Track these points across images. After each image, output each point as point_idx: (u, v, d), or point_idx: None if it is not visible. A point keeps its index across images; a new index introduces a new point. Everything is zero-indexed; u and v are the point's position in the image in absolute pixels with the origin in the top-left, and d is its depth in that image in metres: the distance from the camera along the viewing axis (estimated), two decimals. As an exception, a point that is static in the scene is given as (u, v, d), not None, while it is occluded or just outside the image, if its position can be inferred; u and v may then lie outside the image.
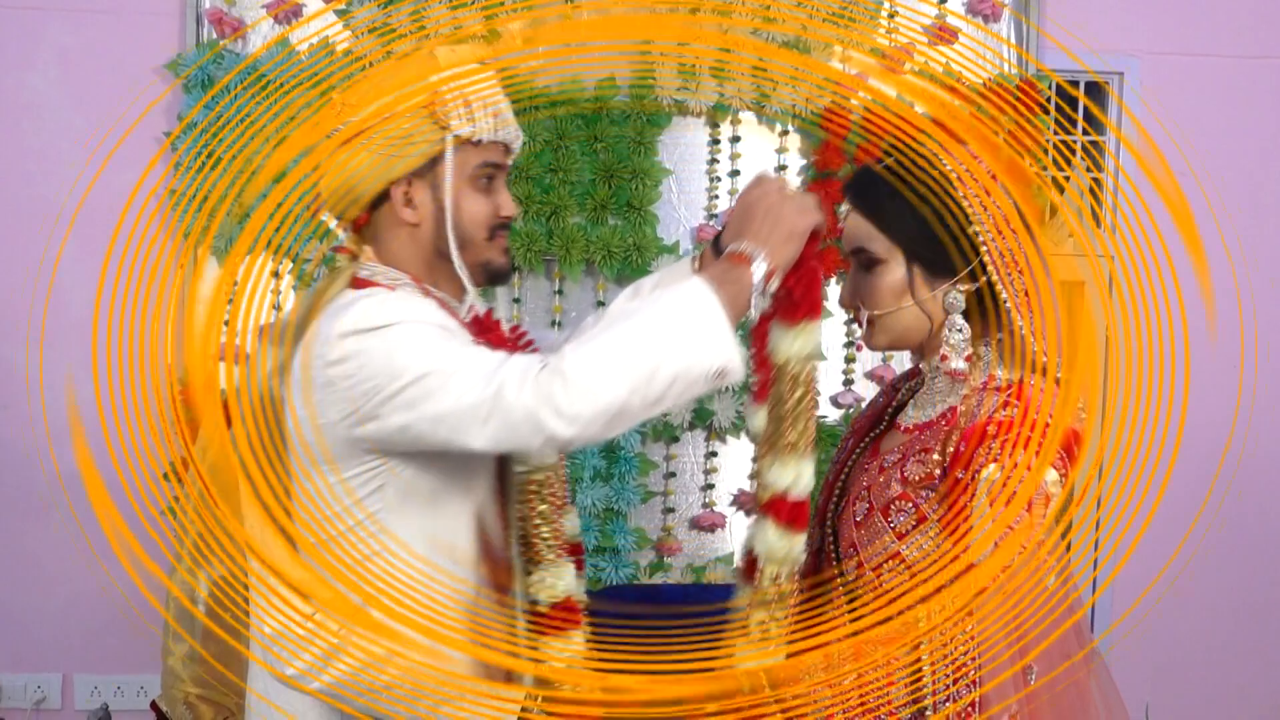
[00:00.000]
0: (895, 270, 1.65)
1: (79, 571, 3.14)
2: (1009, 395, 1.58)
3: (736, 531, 3.21)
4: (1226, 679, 3.44)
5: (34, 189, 3.09)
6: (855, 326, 2.90)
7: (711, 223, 3.16)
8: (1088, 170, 3.37)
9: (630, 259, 3.08)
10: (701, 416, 3.15)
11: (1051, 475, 1.52)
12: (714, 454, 3.19)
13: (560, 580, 1.86)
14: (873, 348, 1.78)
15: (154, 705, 2.85)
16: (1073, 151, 3.34)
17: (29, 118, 3.09)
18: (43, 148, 3.08)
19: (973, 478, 1.53)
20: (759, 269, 1.56)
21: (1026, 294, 1.62)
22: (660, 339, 1.51)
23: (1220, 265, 3.33)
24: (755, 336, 1.68)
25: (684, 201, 3.18)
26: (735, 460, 3.21)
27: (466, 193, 1.72)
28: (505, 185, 1.78)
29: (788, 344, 1.62)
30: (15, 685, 3.16)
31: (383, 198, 1.71)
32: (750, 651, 1.62)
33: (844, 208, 1.73)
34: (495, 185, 1.76)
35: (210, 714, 1.86)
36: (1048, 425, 1.54)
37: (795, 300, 1.61)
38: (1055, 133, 3.31)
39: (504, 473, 1.82)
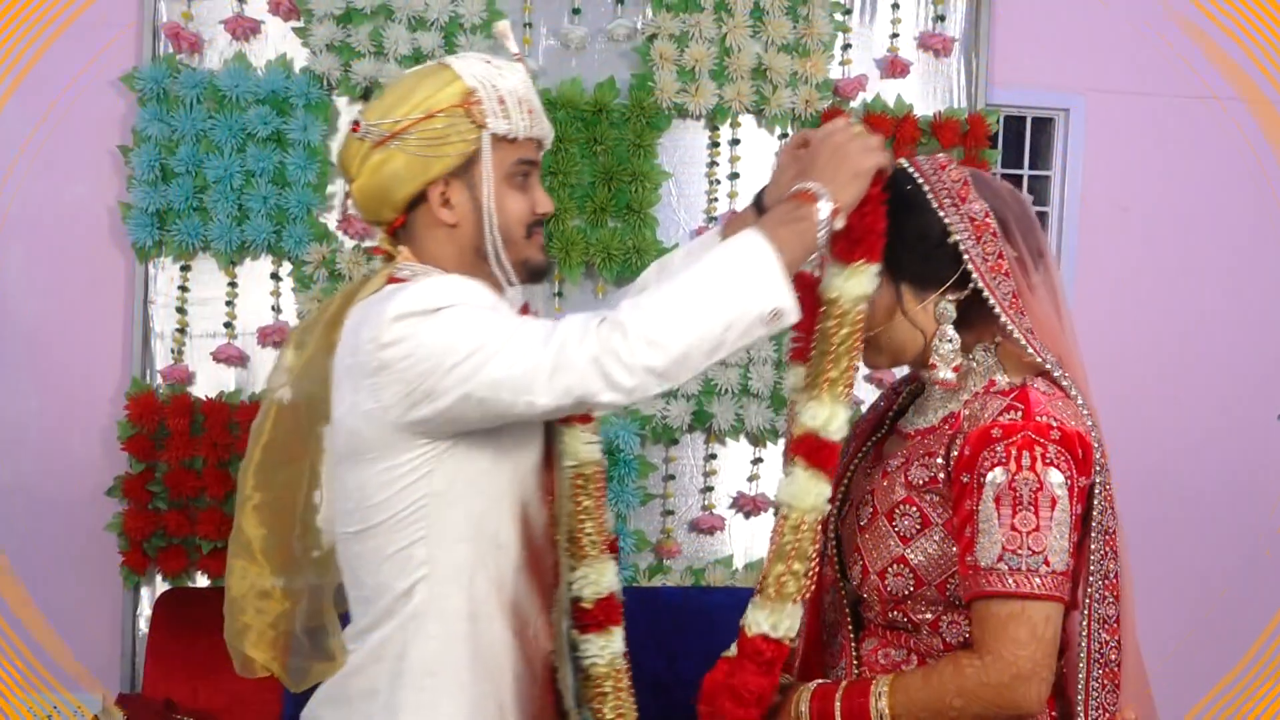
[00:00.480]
0: (882, 289, 1.67)
1: (14, 588, 3.09)
2: (1012, 399, 1.59)
3: (736, 534, 3.20)
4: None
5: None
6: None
7: (711, 225, 3.17)
8: (1034, 204, 3.44)
9: (630, 261, 3.07)
10: (701, 419, 3.15)
11: (1057, 477, 1.53)
12: (713, 456, 3.19)
13: (604, 577, 1.85)
14: (873, 367, 1.79)
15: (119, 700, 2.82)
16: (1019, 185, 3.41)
17: (-20, 128, 3.06)
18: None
19: (978, 481, 1.55)
20: (825, 206, 1.56)
21: (1015, 295, 1.63)
22: (713, 285, 1.52)
23: (1161, 296, 3.42)
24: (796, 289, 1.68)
25: (683, 204, 3.19)
26: (735, 463, 3.20)
27: (504, 190, 1.71)
28: (539, 182, 1.78)
29: (841, 281, 1.61)
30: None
31: (418, 199, 1.70)
32: (766, 608, 1.61)
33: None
34: (530, 182, 1.75)
35: (262, 671, 1.83)
36: (1051, 428, 1.55)
37: (854, 239, 1.60)
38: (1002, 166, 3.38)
39: (549, 467, 1.80)
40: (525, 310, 1.80)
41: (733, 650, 1.68)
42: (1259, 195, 3.47)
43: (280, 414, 1.79)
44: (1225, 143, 3.43)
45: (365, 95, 3.06)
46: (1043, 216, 3.43)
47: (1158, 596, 3.28)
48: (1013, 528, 1.52)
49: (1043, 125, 3.42)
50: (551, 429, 1.81)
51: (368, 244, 3.05)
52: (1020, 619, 1.51)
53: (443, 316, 1.57)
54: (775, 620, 1.60)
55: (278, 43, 3.06)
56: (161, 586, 3.04)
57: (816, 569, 1.61)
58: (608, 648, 1.86)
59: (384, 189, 1.69)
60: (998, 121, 3.28)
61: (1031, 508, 1.52)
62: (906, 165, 1.69)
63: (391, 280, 1.71)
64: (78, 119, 3.05)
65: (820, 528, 1.61)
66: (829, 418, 1.61)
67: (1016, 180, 3.42)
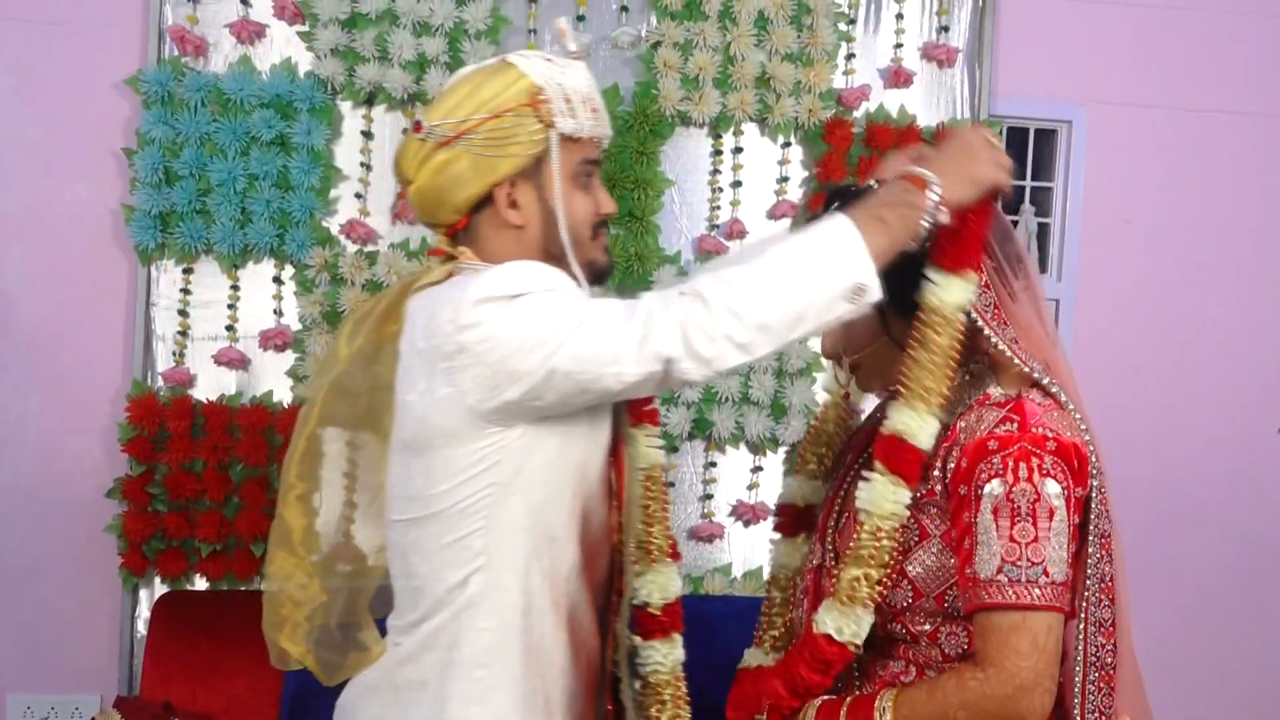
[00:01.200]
0: (866, 313, 1.66)
1: (14, 589, 3.10)
2: (1008, 410, 1.59)
3: (735, 542, 3.20)
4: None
5: (-14, 200, 3.06)
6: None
7: (713, 233, 3.18)
8: (1035, 215, 3.44)
9: (632, 269, 3.07)
10: (701, 426, 3.15)
11: (1054, 488, 1.53)
12: (713, 464, 3.18)
13: (672, 581, 1.83)
14: (866, 390, 1.79)
15: (117, 702, 2.81)
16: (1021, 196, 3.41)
17: (-17, 128, 3.06)
18: (-1, 159, 3.05)
19: (976, 494, 1.55)
20: (934, 194, 1.53)
21: (997, 306, 1.63)
22: (796, 259, 1.51)
23: (1163, 306, 3.42)
24: None
25: (686, 212, 3.19)
26: (734, 471, 3.20)
27: (571, 190, 1.69)
28: (600, 181, 1.76)
29: (941, 290, 1.58)
30: (-55, 705, 3.10)
31: (483, 201, 1.68)
32: (835, 610, 1.59)
33: None
34: (594, 182, 1.74)
35: (295, 665, 1.80)
36: (1047, 439, 1.55)
37: (961, 247, 1.58)
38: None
39: (613, 467, 1.77)
40: None
41: (749, 662, 1.72)
42: (1261, 207, 3.47)
43: (326, 404, 1.78)
44: (1227, 155, 3.43)
45: (369, 100, 3.07)
46: (1045, 227, 3.44)
47: (1158, 605, 3.30)
48: (1011, 539, 1.52)
49: (1045, 136, 3.43)
50: (620, 430, 1.78)
51: (369, 249, 3.06)
52: (1021, 630, 1.51)
53: (524, 302, 1.56)
54: (842, 623, 1.59)
55: (282, 47, 3.07)
56: (160, 589, 3.04)
57: (893, 574, 1.60)
58: (671, 654, 1.82)
59: (447, 190, 1.67)
60: (1001, 133, 3.28)
61: (1030, 519, 1.52)
62: (875, 185, 1.68)
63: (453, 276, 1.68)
64: (82, 121, 3.05)
65: (892, 534, 1.59)
66: (920, 426, 1.58)
67: (1019, 191, 3.42)
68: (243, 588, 3.05)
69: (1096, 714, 1.62)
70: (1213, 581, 3.50)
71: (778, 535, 1.95)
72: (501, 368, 1.55)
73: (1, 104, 3.03)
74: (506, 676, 1.65)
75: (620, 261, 3.07)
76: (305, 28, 3.06)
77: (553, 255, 1.69)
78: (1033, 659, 1.51)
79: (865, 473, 1.62)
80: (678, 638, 1.84)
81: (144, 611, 3.03)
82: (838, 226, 1.52)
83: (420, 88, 3.04)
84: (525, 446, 1.62)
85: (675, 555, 1.85)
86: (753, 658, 1.86)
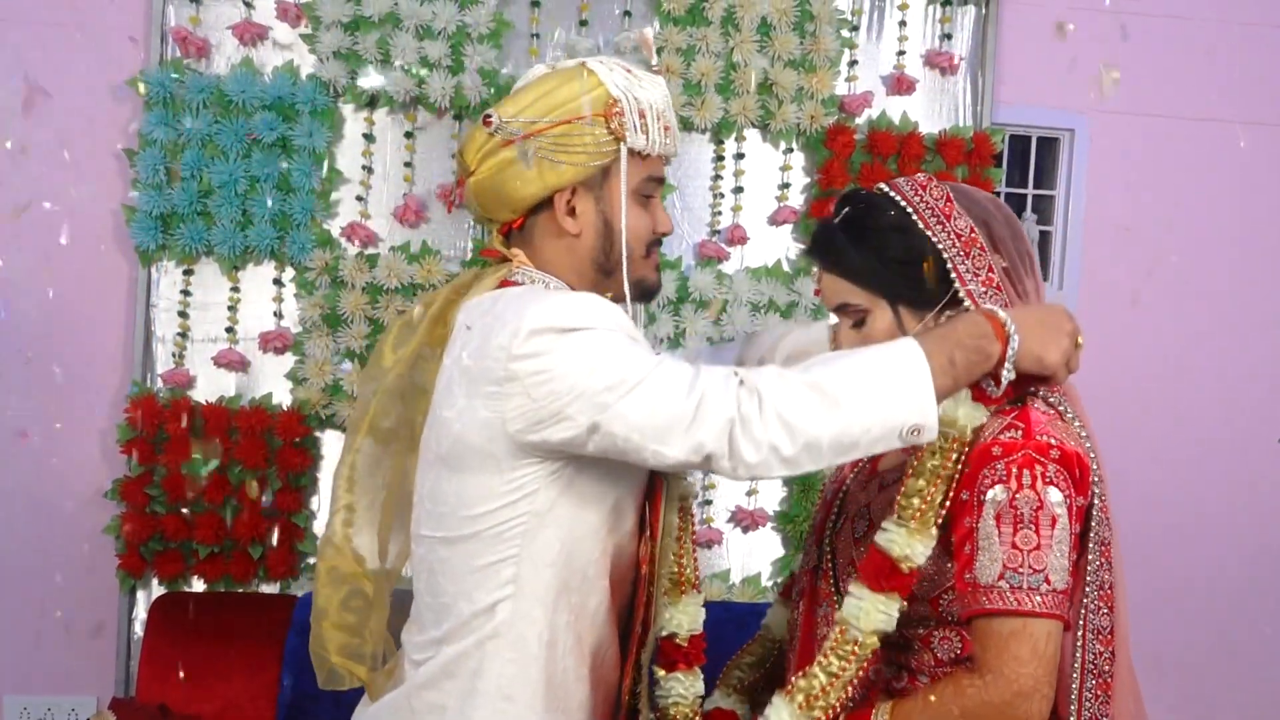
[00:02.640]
0: (882, 316, 1.64)
1: (10, 590, 3.09)
2: (1013, 417, 1.58)
3: (734, 548, 3.20)
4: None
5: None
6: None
7: (714, 239, 3.18)
8: (1037, 223, 3.44)
9: None
10: None
11: (1056, 496, 1.53)
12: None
13: (699, 613, 1.79)
14: None
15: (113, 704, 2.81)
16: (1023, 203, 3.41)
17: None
18: (1, 159, 3.05)
19: (978, 499, 1.54)
20: (1011, 350, 1.50)
21: (1008, 307, 1.61)
22: (861, 385, 1.46)
23: (1164, 315, 3.42)
24: None
25: (688, 218, 3.19)
26: None
27: (631, 206, 1.66)
28: (660, 201, 1.73)
29: (955, 406, 1.55)
30: (-58, 705, 3.10)
31: (542, 204, 1.65)
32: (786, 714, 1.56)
33: (815, 270, 1.73)
34: (654, 201, 1.71)
35: (350, 681, 1.75)
36: (1051, 447, 1.55)
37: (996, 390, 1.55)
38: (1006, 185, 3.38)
39: (650, 502, 1.71)
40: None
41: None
42: (1261, 215, 3.48)
43: (377, 415, 1.72)
44: (1227, 163, 3.43)
45: (371, 103, 3.06)
46: (1046, 235, 3.44)
47: (1155, 613, 3.30)
48: (1014, 545, 1.52)
49: (1047, 144, 3.43)
50: None
51: (370, 251, 3.06)
52: (1021, 636, 1.51)
53: (582, 338, 1.50)
54: None
55: (285, 49, 3.07)
56: (158, 590, 3.03)
57: (855, 693, 1.58)
58: (692, 687, 1.78)
59: (506, 188, 1.64)
60: (1002, 140, 3.28)
61: (1032, 526, 1.52)
62: (888, 189, 1.68)
63: (505, 283, 1.66)
64: (83, 121, 3.05)
65: (867, 652, 1.57)
66: (913, 551, 1.55)
67: (1021, 199, 3.42)
68: (240, 590, 3.04)
69: None
70: (1211, 589, 3.50)
71: (777, 597, 1.97)
72: (549, 406, 1.50)
73: (3, 105, 3.03)
74: (529, 710, 1.61)
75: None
76: (307, 30, 3.06)
77: (603, 269, 1.67)
78: (1032, 665, 1.50)
79: (852, 588, 1.60)
80: (699, 671, 1.80)
81: (141, 613, 3.03)
82: (910, 360, 1.47)
83: (422, 91, 3.03)
84: (566, 479, 1.58)
85: (697, 587, 1.82)
86: (717, 699, 1.87)
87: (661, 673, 1.78)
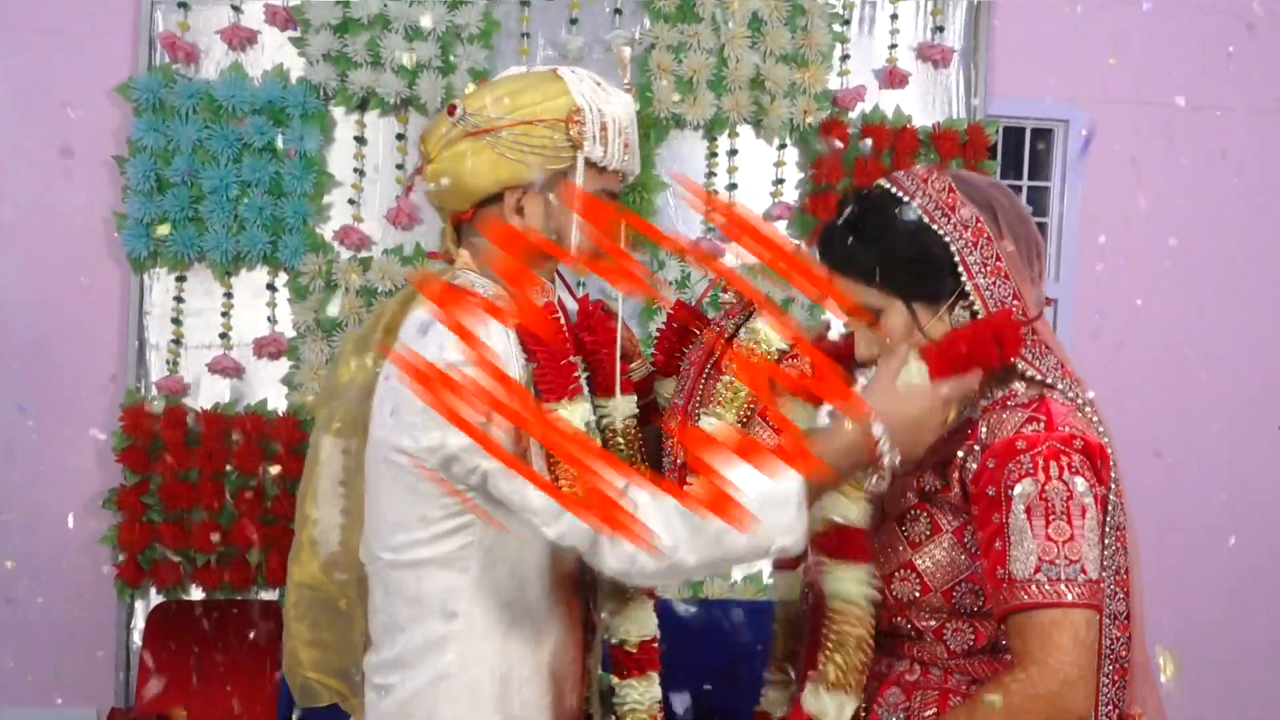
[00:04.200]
0: (897, 313, 1.63)
1: (7, 600, 3.08)
2: (1033, 410, 1.58)
3: None
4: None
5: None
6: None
7: (708, 236, 3.17)
8: (1033, 215, 3.42)
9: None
10: None
11: (1083, 485, 1.52)
12: None
13: (649, 619, 1.80)
14: None
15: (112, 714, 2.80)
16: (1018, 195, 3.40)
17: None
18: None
19: (1006, 494, 1.54)
20: (884, 457, 1.55)
21: (1016, 295, 1.61)
22: (737, 527, 1.48)
23: (1160, 305, 3.42)
24: None
25: (681, 214, 3.18)
26: None
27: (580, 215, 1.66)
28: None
29: (834, 583, 1.60)
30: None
31: (492, 199, 1.66)
32: (826, 697, 1.60)
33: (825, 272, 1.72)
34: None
35: (328, 696, 1.77)
36: (1074, 438, 1.55)
37: (843, 537, 1.60)
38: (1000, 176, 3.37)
39: None
40: (584, 301, 1.76)
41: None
42: (1258, 205, 3.47)
43: (342, 426, 1.74)
44: (1224, 153, 3.43)
45: (362, 105, 3.06)
46: (1042, 228, 3.42)
47: (1159, 604, 3.28)
48: (1048, 538, 1.51)
49: (1042, 136, 3.42)
50: None
51: (363, 255, 3.04)
52: (1063, 625, 1.50)
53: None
54: (829, 708, 1.59)
55: (274, 53, 3.06)
56: (155, 599, 3.02)
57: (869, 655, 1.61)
58: (648, 693, 1.78)
59: (461, 179, 1.65)
60: (997, 132, 3.28)
61: (1064, 517, 1.51)
62: (889, 185, 1.66)
63: (445, 289, 1.65)
64: (73, 128, 3.04)
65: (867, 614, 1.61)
66: (836, 709, 1.59)
67: (1015, 191, 3.41)
68: (239, 597, 3.03)
69: (1110, 706, 1.61)
70: (1212, 581, 3.49)
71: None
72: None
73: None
74: None
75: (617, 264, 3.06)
76: (297, 33, 3.05)
77: (541, 266, 1.69)
78: (1075, 654, 1.49)
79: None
80: (655, 676, 1.80)
81: (139, 622, 3.02)
82: (792, 496, 1.50)
83: (413, 92, 3.02)
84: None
85: (651, 594, 1.82)
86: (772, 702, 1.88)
87: (615, 680, 1.79)
